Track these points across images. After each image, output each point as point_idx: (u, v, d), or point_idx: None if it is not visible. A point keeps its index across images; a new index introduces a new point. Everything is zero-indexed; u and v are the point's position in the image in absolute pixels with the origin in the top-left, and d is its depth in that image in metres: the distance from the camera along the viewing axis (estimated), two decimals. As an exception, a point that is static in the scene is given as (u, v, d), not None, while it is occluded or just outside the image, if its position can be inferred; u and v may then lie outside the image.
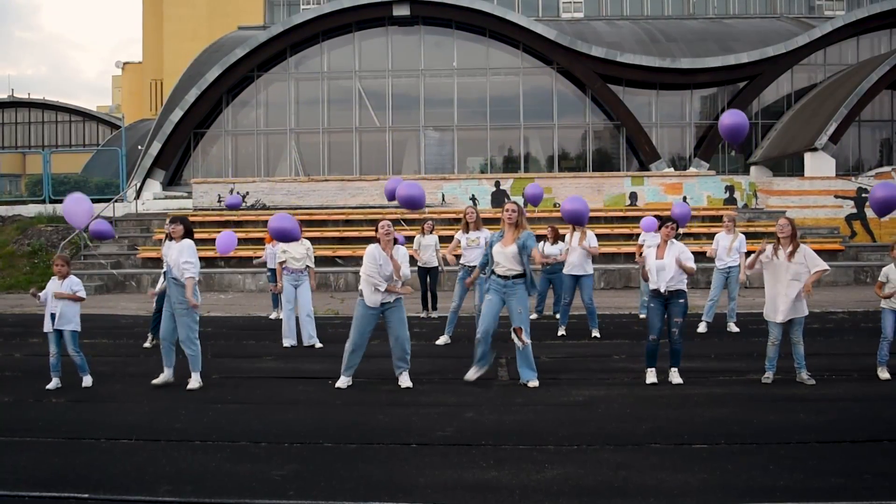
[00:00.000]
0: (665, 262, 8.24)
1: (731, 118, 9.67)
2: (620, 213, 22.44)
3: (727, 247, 11.88)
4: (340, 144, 31.96)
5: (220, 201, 24.32)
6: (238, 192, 24.18)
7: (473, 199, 23.59)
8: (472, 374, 8.23)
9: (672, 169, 28.90)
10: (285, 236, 9.68)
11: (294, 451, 5.82)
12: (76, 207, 10.77)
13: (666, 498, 4.75)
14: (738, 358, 9.52)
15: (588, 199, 22.97)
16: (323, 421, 6.78)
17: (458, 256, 11.11)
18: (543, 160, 32.14)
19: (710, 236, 15.72)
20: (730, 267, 11.87)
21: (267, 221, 17.18)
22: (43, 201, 25.23)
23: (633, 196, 23.67)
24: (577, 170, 30.75)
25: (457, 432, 6.33)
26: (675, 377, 8.19)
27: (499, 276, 8.12)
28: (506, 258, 8.04)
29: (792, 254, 8.06)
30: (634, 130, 30.26)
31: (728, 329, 11.82)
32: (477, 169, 31.64)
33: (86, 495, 4.82)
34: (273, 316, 14.12)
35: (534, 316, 13.13)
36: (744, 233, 12.53)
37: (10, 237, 21.96)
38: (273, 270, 14.04)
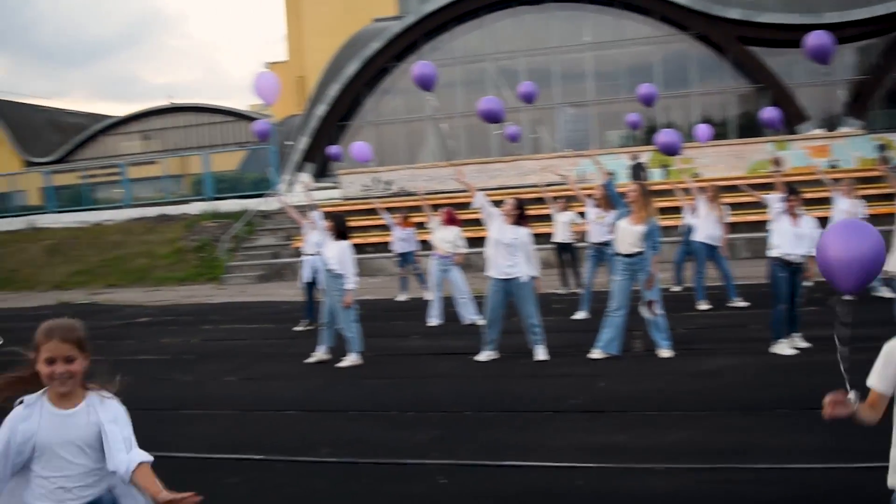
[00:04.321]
0: (804, 232, 8.28)
1: (816, 39, 9.60)
2: (763, 181, 21.85)
3: (847, 212, 11.52)
4: (477, 127, 32.49)
5: (386, 185, 25.39)
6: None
7: (611, 174, 23.54)
8: (596, 353, 8.57)
9: (822, 130, 27.71)
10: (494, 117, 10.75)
11: (437, 419, 6.42)
12: (265, 83, 11.93)
13: (783, 456, 5.01)
14: (880, 325, 9.35)
15: (730, 166, 22.58)
16: (464, 392, 7.35)
17: (583, 232, 11.44)
18: (684, 129, 31.51)
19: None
20: None
21: (410, 208, 17.99)
22: (205, 199, 27.20)
23: (777, 162, 22.90)
24: (719, 137, 29.92)
25: (588, 401, 6.75)
26: (801, 342, 8.34)
27: (624, 255, 8.43)
28: (631, 235, 8.33)
29: None
30: (778, 93, 29.17)
31: (879, 294, 11.48)
32: (616, 143, 31.43)
33: (260, 457, 5.61)
34: (401, 298, 14.94)
35: (677, 288, 13.23)
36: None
37: (178, 234, 23.92)
38: (402, 255, 14.92)
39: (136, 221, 25.57)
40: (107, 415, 2.93)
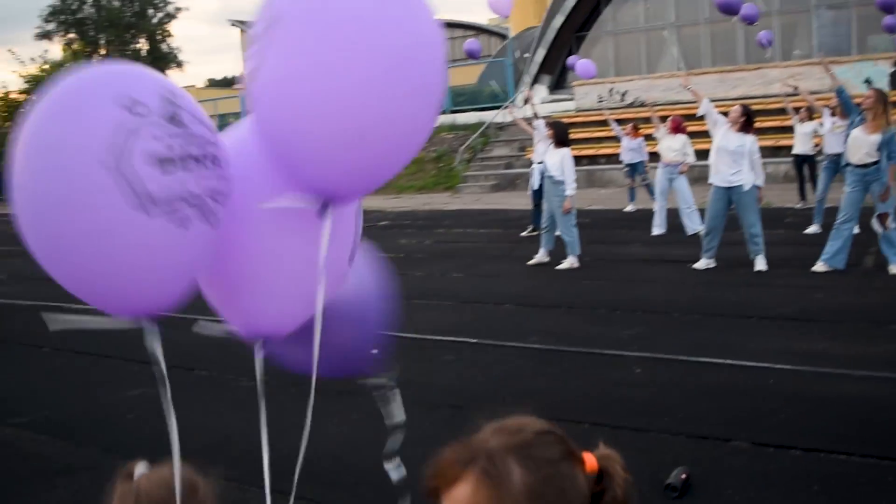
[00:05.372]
0: None
1: None
2: None
3: None
4: (722, 34, 30.78)
5: (622, 96, 25.23)
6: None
7: (868, 81, 21.67)
8: (819, 266, 8.29)
9: None
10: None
11: (643, 318, 6.72)
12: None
13: None
14: None
15: None
16: (674, 296, 7.54)
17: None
18: (964, 31, 27.99)
19: None
20: None
21: (642, 119, 17.79)
22: (444, 112, 28.28)
23: None
24: None
25: (799, 310, 6.71)
26: None
27: (856, 165, 8.04)
28: (866, 144, 7.92)
29: None
30: None
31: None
32: (881, 48, 28.55)
33: (474, 340, 6.25)
34: (629, 209, 14.97)
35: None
36: None
37: (419, 145, 25.26)
38: (630, 165, 14.85)
39: (381, 133, 27.21)
40: None
